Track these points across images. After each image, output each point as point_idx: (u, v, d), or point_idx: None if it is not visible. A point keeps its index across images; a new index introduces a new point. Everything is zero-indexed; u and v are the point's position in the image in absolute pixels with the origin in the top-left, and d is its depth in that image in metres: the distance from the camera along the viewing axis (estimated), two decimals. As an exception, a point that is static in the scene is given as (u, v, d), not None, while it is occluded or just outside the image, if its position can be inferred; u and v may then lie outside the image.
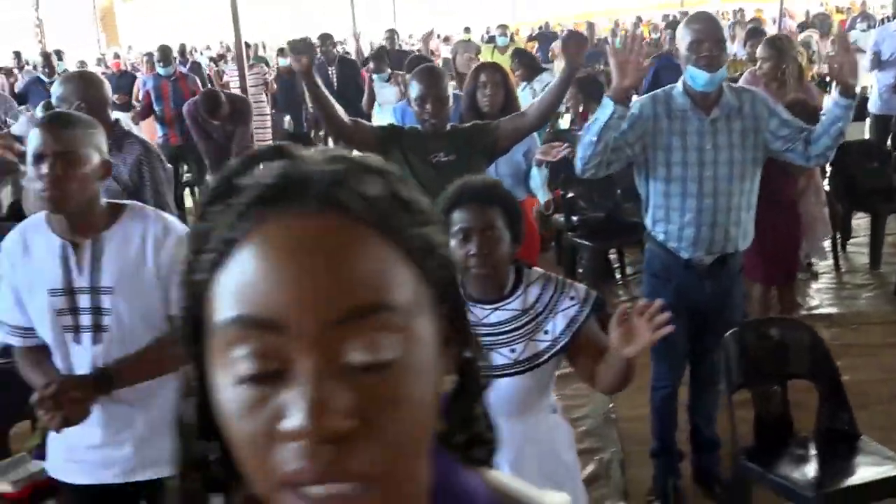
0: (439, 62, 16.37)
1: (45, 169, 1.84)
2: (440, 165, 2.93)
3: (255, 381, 0.48)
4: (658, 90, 2.96)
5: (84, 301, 1.94)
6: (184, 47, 13.03)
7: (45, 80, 7.50)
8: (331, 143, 8.83)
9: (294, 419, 0.46)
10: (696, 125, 2.83)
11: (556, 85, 2.93)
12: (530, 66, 6.60)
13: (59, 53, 8.37)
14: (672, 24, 10.12)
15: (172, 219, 2.02)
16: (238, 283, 0.49)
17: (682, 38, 2.84)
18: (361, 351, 0.48)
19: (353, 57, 10.60)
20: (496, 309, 1.97)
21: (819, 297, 5.00)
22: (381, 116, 6.82)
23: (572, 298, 1.95)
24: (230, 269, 0.50)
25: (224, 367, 0.49)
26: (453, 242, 1.90)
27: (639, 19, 18.45)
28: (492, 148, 3.01)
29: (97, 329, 1.94)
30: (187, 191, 7.52)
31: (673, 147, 2.83)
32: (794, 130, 2.84)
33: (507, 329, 1.96)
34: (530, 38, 14.34)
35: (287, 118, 10.04)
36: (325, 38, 9.39)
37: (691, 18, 2.89)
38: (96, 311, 1.94)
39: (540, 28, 16.91)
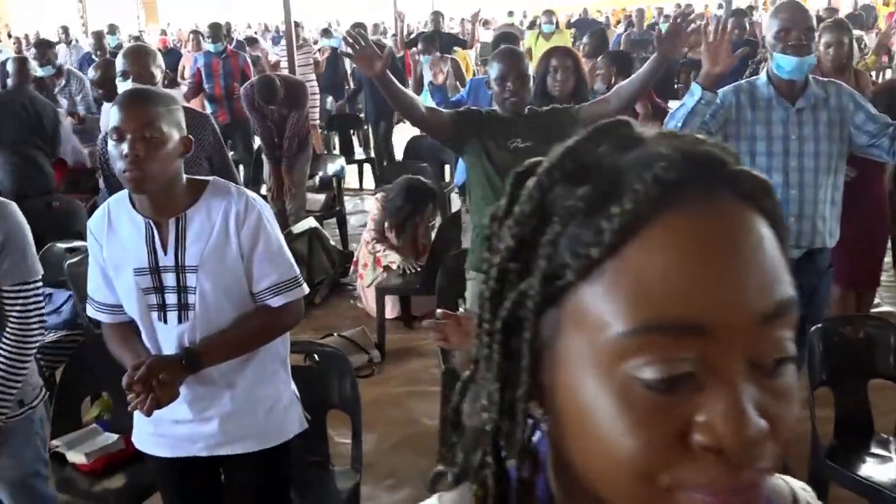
0: (478, 46, 16.29)
1: (125, 148, 1.81)
2: (518, 151, 2.89)
3: (660, 387, 0.43)
4: (742, 81, 2.90)
5: (169, 280, 1.93)
6: (229, 25, 13.04)
7: (96, 59, 7.49)
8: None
9: (718, 429, 0.42)
10: (781, 115, 2.76)
11: (643, 73, 2.85)
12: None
13: (112, 28, 8.37)
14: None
15: (253, 195, 1.99)
16: (641, 282, 0.43)
17: (770, 27, 2.76)
18: (775, 349, 0.44)
19: (390, 40, 10.52)
20: None
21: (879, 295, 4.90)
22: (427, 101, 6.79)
23: None
24: (622, 267, 0.44)
25: (607, 372, 0.44)
26: None
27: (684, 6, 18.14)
28: (573, 133, 2.93)
29: (183, 308, 1.93)
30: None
31: (757, 137, 2.77)
32: (881, 126, 2.76)
33: None
34: (569, 25, 14.17)
35: (329, 99, 10.01)
36: (357, 27, 9.38)
37: (779, 7, 2.81)
38: (181, 289, 1.93)
39: (579, 15, 16.69)
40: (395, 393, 4.03)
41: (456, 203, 7.07)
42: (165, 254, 1.92)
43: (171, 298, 1.93)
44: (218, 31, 7.58)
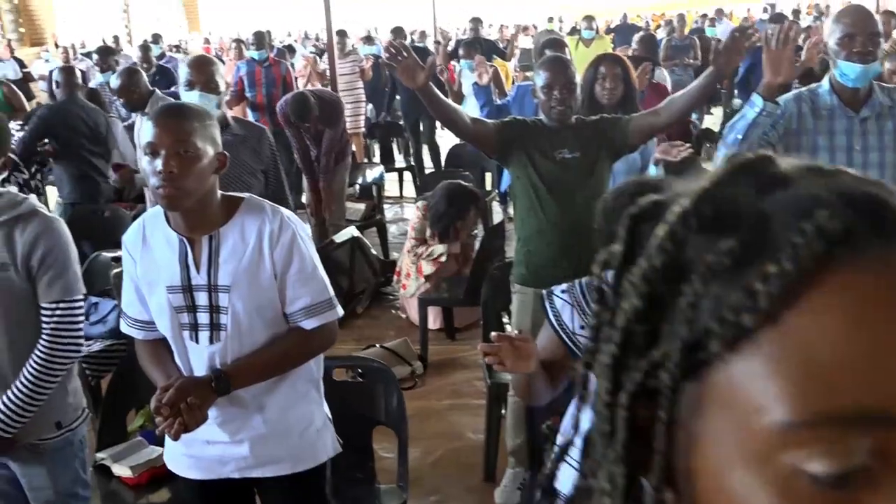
0: (517, 53, 16.21)
1: (159, 165, 1.77)
2: (565, 162, 2.84)
3: (831, 482, 0.36)
4: (802, 89, 2.79)
5: (202, 299, 1.89)
6: (269, 34, 13.10)
7: (142, 70, 7.56)
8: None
9: None
10: (845, 124, 2.65)
11: (697, 87, 2.75)
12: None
13: (156, 38, 8.47)
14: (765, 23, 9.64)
15: (289, 213, 1.94)
16: (809, 361, 0.36)
17: (832, 33, 2.65)
18: None
19: (431, 46, 10.49)
20: None
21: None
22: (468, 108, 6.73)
23: None
24: (782, 339, 0.37)
25: (764, 462, 0.37)
26: None
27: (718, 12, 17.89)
28: (621, 145, 2.88)
29: (215, 328, 1.89)
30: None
31: (819, 147, 2.66)
32: None
33: None
34: (608, 31, 14.05)
35: (369, 107, 10.00)
36: (395, 32, 9.39)
37: (842, 12, 2.70)
38: (214, 309, 1.89)
39: (618, 20, 16.55)
40: (438, 406, 3.97)
41: (498, 212, 7.03)
42: (198, 272, 1.88)
43: (203, 318, 1.90)
44: (262, 39, 7.61)
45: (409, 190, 8.08)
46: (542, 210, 2.86)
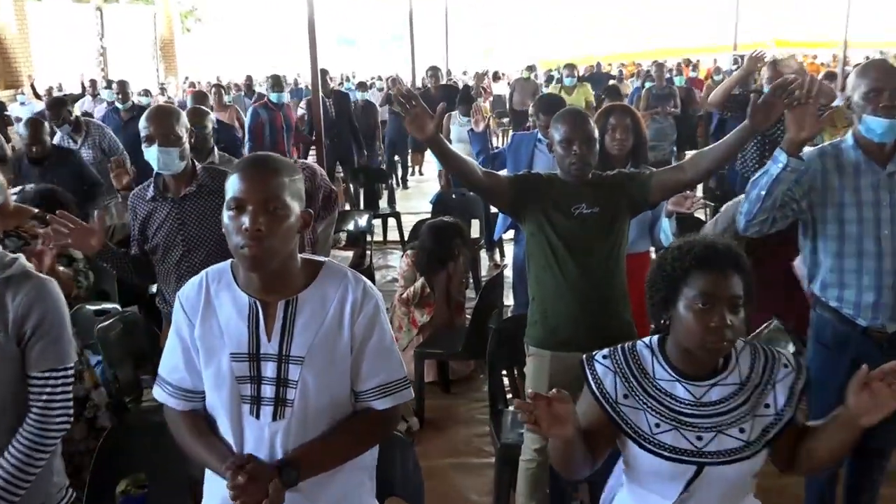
0: (490, 100, 16.26)
1: (246, 221, 1.61)
2: (583, 218, 2.72)
3: None
4: (825, 144, 2.69)
5: (269, 370, 1.70)
6: (251, 80, 12.98)
7: (120, 106, 7.35)
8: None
9: None
10: (871, 180, 2.56)
11: (729, 142, 2.59)
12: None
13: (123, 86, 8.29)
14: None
15: (370, 283, 1.78)
16: None
17: (857, 87, 2.56)
18: None
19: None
20: (714, 385, 1.77)
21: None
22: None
23: (786, 366, 1.79)
24: None
25: None
26: (691, 310, 1.71)
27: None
28: (641, 201, 2.76)
29: (280, 403, 1.70)
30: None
31: (845, 203, 2.56)
32: None
33: (731, 406, 1.76)
34: (581, 79, 14.15)
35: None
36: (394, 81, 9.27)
37: (867, 66, 2.61)
38: (281, 382, 1.70)
39: (593, 68, 16.70)
40: (438, 466, 3.78)
41: (486, 261, 6.90)
42: (269, 340, 1.70)
43: (267, 391, 1.70)
44: (279, 81, 7.41)
45: (394, 235, 7.94)
46: (559, 268, 2.74)
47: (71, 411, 1.95)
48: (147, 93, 10.88)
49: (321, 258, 1.81)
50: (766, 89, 3.08)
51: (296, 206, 1.67)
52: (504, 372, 3.64)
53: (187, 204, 2.99)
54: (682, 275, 1.73)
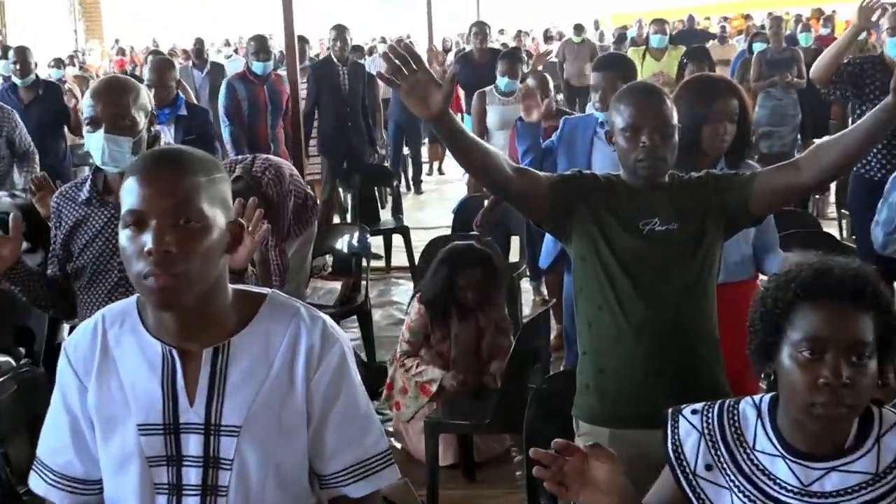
0: (539, 69, 16.33)
1: (148, 241, 1.63)
2: (656, 237, 2.73)
3: None
4: None
5: (192, 446, 1.73)
6: (201, 43, 13.17)
7: (18, 82, 7.45)
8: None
9: None
10: None
11: (865, 127, 2.56)
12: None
13: (59, 63, 8.39)
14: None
15: (331, 322, 1.81)
16: None
17: None
18: None
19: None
20: (832, 469, 1.78)
21: None
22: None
23: None
24: None
25: None
26: (795, 360, 1.75)
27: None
28: (739, 214, 2.77)
29: (209, 492, 1.73)
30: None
31: None
32: None
33: (848, 502, 1.77)
34: (673, 40, 14.13)
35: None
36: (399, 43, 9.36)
37: None
38: (210, 462, 1.73)
39: (683, 23, 16.74)
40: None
41: (527, 294, 6.91)
42: (191, 404, 1.73)
43: (191, 475, 1.74)
44: (265, 45, 7.54)
45: (401, 259, 8.00)
46: (619, 308, 2.73)
47: None
48: (59, 63, 11.06)
49: (262, 290, 1.84)
50: (889, 48, 3.06)
51: (219, 216, 1.70)
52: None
53: None
54: (786, 311, 1.75)
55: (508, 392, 4.18)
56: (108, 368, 1.76)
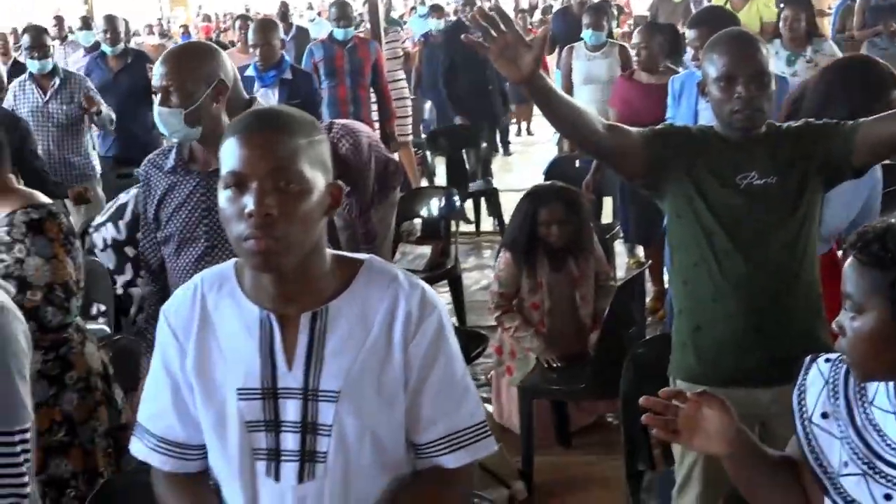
0: (628, 24, 16.09)
1: (249, 203, 1.65)
2: (754, 192, 2.71)
3: None
4: None
5: (291, 411, 1.75)
6: (286, 7, 13.20)
7: (108, 51, 7.58)
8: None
9: None
10: None
11: None
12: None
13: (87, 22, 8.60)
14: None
15: (430, 289, 1.82)
16: None
17: None
18: None
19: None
20: None
21: None
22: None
23: None
24: None
25: None
26: None
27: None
28: (841, 164, 2.72)
29: (308, 458, 1.75)
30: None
31: None
32: None
33: None
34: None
35: (428, 105, 9.98)
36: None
37: None
38: (309, 427, 1.75)
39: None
40: (555, 551, 3.79)
41: (621, 258, 6.86)
42: (290, 368, 1.75)
43: (290, 441, 1.75)
44: (346, 11, 7.60)
45: (490, 222, 8.00)
46: (717, 266, 2.73)
47: (22, 489, 2.02)
48: (150, 30, 11.20)
49: (359, 255, 1.85)
50: None
51: (319, 179, 1.71)
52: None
53: (215, 182, 3.04)
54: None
55: (603, 357, 4.16)
56: (207, 332, 1.79)
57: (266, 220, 1.64)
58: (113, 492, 2.75)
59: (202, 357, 1.79)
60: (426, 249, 6.19)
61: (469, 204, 8.07)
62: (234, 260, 1.83)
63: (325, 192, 1.73)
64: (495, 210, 7.89)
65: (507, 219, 7.45)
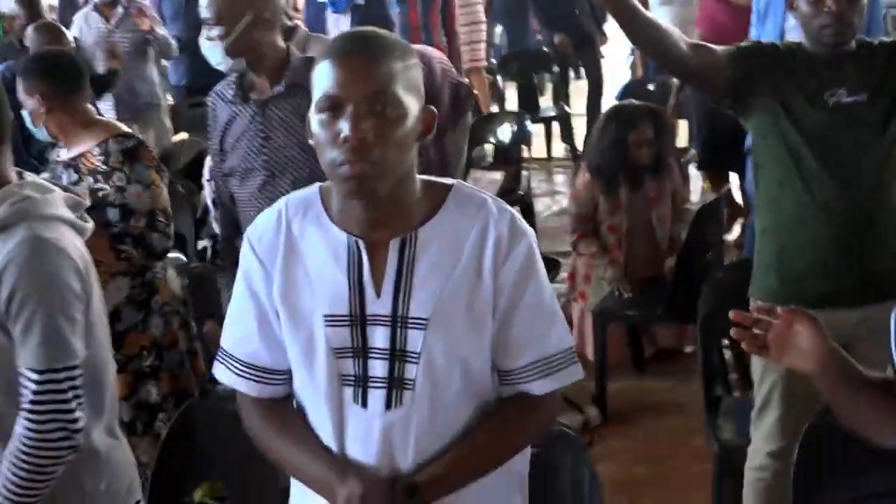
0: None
1: (345, 127, 1.63)
2: (843, 110, 2.67)
3: None
4: None
5: (379, 338, 1.74)
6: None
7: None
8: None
9: None
10: None
11: None
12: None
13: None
14: None
15: (518, 214, 1.79)
16: None
17: None
18: None
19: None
20: None
21: None
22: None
23: None
24: None
25: None
26: None
27: None
28: None
29: (396, 385, 1.74)
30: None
31: None
32: None
33: None
34: None
35: (499, 29, 9.85)
36: None
37: None
38: (397, 355, 1.74)
39: None
40: (630, 477, 3.84)
41: (696, 182, 6.77)
42: (378, 295, 1.74)
43: (378, 368, 1.74)
44: None
45: (562, 149, 7.94)
46: (803, 184, 2.70)
47: (75, 427, 2.02)
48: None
49: (449, 180, 1.83)
50: None
51: (413, 104, 1.68)
52: (725, 342, 3.61)
53: (272, 110, 3.05)
54: None
55: (681, 279, 4.14)
56: (294, 258, 1.78)
57: (362, 145, 1.61)
58: (194, 416, 2.82)
59: (288, 283, 1.78)
60: (498, 175, 6.14)
61: (540, 129, 7.99)
62: (318, 184, 1.82)
63: (419, 117, 1.70)
64: (567, 136, 7.81)
65: (579, 143, 7.43)
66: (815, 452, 2.30)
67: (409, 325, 1.73)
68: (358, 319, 1.74)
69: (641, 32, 2.70)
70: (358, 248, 1.74)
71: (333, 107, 1.64)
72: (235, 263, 3.27)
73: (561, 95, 8.47)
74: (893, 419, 1.83)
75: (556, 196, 7.23)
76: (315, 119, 1.67)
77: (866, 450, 2.04)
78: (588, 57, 8.39)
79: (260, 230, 1.83)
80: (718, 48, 2.83)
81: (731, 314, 1.80)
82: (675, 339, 4.74)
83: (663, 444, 4.05)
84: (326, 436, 1.79)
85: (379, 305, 1.73)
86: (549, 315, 1.79)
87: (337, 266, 1.75)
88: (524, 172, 6.44)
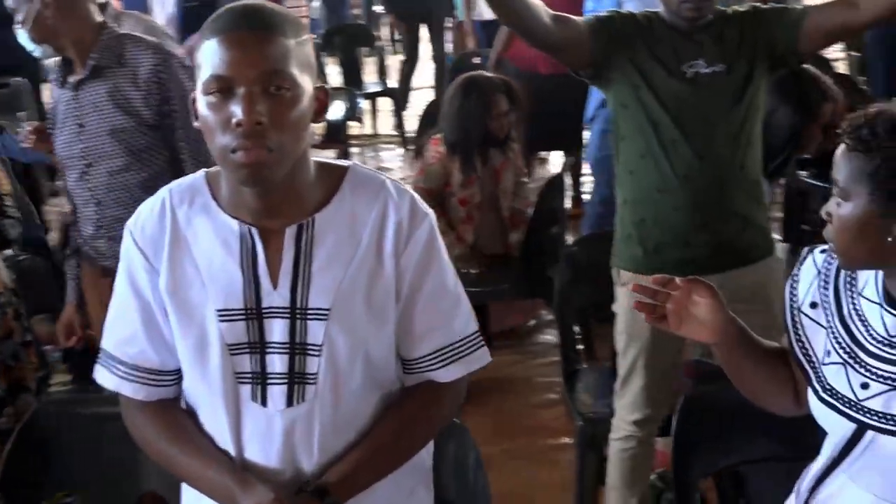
0: None
1: (237, 111, 1.53)
2: (701, 80, 2.70)
3: None
4: None
5: (277, 331, 1.66)
6: None
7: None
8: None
9: None
10: None
11: None
12: None
13: None
14: None
15: (418, 195, 1.73)
16: None
17: None
18: None
19: None
20: None
21: None
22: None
23: None
24: None
25: None
26: None
27: None
28: (786, 51, 2.73)
29: (297, 380, 1.67)
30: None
31: None
32: None
33: None
34: None
35: (316, 2, 9.72)
36: None
37: None
38: (298, 349, 1.66)
39: None
40: (490, 455, 3.74)
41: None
42: (275, 286, 1.65)
43: (277, 363, 1.67)
44: None
45: (389, 124, 7.90)
46: (664, 156, 2.73)
47: None
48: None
49: (344, 162, 1.76)
50: None
51: (307, 82, 1.60)
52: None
53: (85, 94, 2.93)
54: None
55: (529, 256, 4.17)
56: (181, 250, 1.69)
57: (257, 130, 1.53)
58: (40, 420, 2.67)
59: (176, 277, 1.69)
60: (330, 153, 6.09)
61: (367, 105, 7.96)
62: (203, 170, 1.73)
63: (313, 96, 1.63)
64: (397, 111, 7.79)
65: (407, 120, 7.40)
66: (695, 421, 2.34)
67: (309, 317, 1.66)
68: (254, 313, 1.67)
69: (506, 6, 2.65)
70: (251, 236, 1.66)
71: (223, 88, 1.54)
72: (76, 251, 3.16)
73: (383, 71, 8.43)
74: (787, 387, 1.89)
75: (386, 174, 7.20)
76: (202, 101, 1.57)
77: (744, 417, 2.13)
78: (436, 34, 8.31)
79: (142, 221, 1.72)
80: (579, 19, 2.83)
81: (632, 286, 1.83)
82: (521, 315, 4.79)
83: (516, 417, 4.08)
84: (222, 438, 1.71)
85: (276, 297, 1.66)
86: (452, 299, 1.75)
87: (229, 256, 1.66)
88: (353, 150, 6.41)
